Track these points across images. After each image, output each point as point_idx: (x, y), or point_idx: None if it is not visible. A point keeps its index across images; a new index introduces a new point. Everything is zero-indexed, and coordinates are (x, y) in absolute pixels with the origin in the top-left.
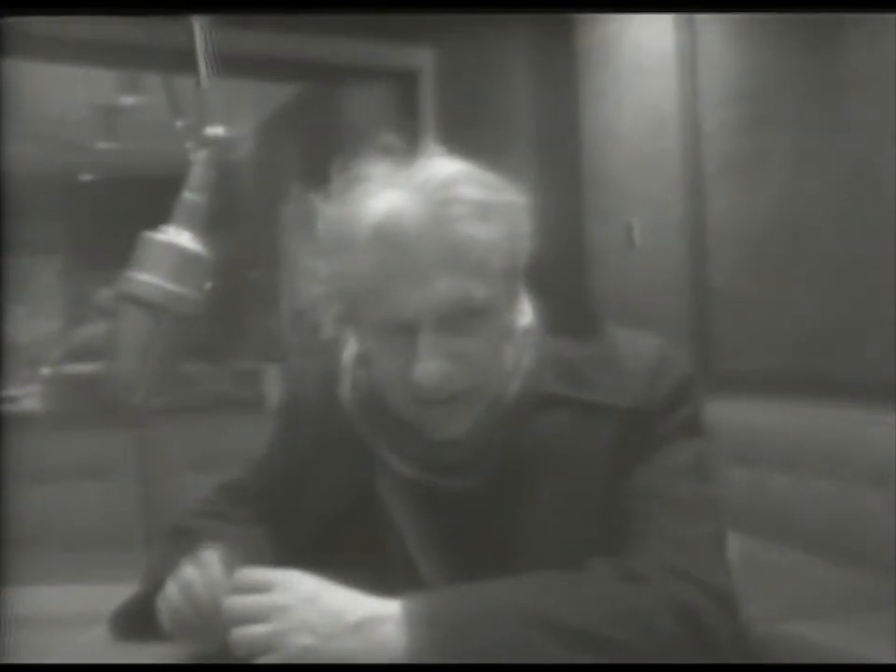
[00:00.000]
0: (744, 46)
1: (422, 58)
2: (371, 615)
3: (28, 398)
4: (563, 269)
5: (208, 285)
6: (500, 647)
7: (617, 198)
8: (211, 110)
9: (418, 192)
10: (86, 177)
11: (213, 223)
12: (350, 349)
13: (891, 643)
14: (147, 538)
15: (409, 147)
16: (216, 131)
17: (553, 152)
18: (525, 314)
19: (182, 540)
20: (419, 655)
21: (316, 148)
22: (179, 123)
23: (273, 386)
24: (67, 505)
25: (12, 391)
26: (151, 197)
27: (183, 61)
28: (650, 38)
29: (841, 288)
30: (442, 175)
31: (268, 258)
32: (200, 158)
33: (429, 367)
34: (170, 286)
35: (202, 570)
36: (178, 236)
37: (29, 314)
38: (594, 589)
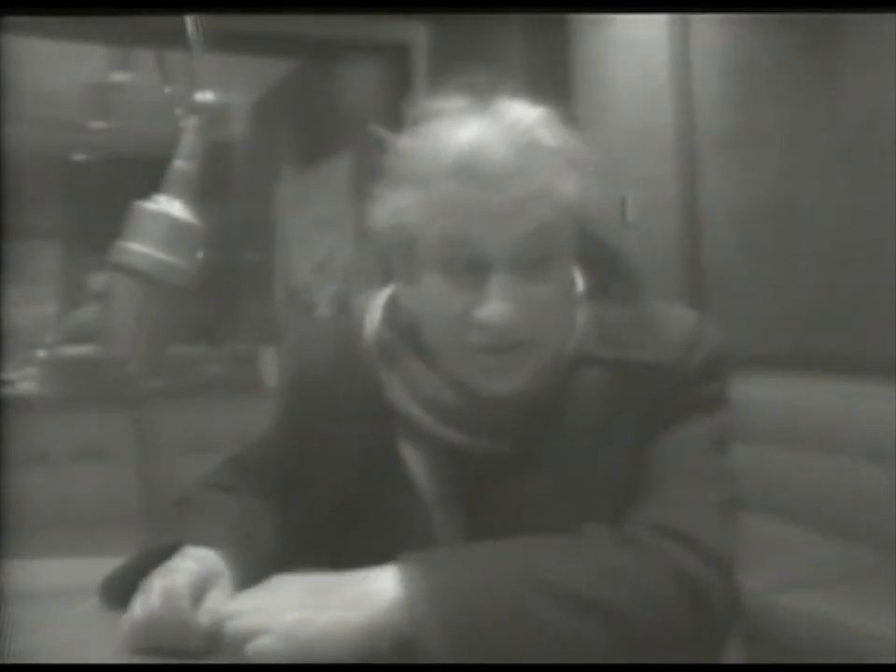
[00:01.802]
0: (736, 19)
1: (415, 32)
2: (359, 575)
3: (25, 380)
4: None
5: (200, 254)
6: (496, 605)
7: (610, 174)
8: (201, 77)
9: (503, 132)
10: (80, 157)
11: (204, 192)
12: (376, 307)
13: (884, 613)
14: (144, 520)
15: (490, 87)
16: (205, 97)
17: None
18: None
19: (184, 513)
20: (414, 604)
21: (309, 127)
22: (168, 90)
23: (269, 368)
24: (65, 487)
25: (9, 374)
26: (148, 177)
27: (174, 33)
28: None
29: (836, 264)
30: (528, 119)
31: (262, 239)
32: (190, 125)
33: (499, 307)
34: (162, 255)
35: (169, 601)
36: (170, 205)
37: (25, 297)
38: (590, 553)
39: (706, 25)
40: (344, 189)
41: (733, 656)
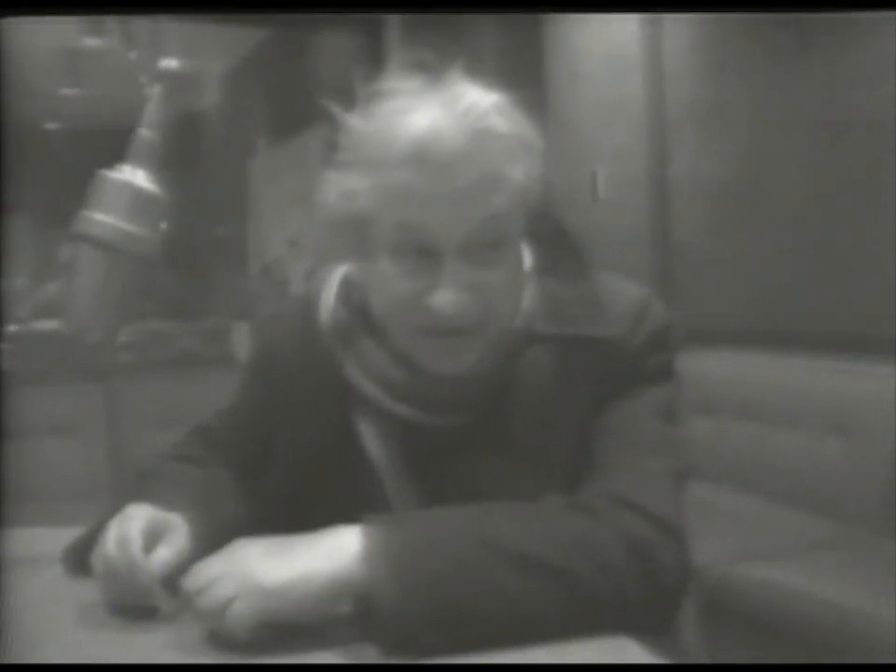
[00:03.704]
0: None
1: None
2: (321, 534)
3: None
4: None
5: (163, 225)
6: (452, 568)
7: (581, 147)
8: (167, 44)
9: (457, 118)
10: (51, 126)
11: (172, 162)
12: (332, 284)
13: (844, 584)
14: (114, 493)
15: (441, 67)
16: (170, 64)
17: (517, 99)
18: (526, 255)
19: (148, 482)
20: (373, 560)
21: (283, 99)
22: (133, 55)
23: (242, 343)
24: (35, 461)
25: None
26: (122, 147)
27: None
28: None
29: (803, 241)
30: (483, 105)
31: (236, 213)
32: (155, 93)
33: (450, 296)
34: (125, 225)
35: (122, 547)
36: (133, 175)
37: None
38: (544, 518)
39: None
40: (319, 163)
41: (690, 625)
